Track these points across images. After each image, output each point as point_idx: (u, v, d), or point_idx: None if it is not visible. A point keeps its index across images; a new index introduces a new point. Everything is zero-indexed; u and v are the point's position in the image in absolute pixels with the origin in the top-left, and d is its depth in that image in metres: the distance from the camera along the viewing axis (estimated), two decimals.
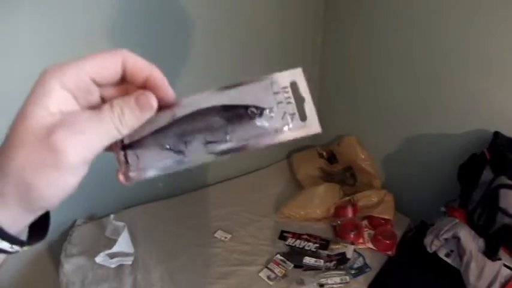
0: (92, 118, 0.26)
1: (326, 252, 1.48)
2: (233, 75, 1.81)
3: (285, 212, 1.67)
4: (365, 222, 1.67)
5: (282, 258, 1.46)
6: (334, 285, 1.37)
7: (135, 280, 1.35)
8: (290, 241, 1.53)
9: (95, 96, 0.28)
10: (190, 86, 1.66)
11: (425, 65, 1.58)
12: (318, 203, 1.67)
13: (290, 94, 0.30)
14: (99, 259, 1.36)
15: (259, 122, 0.30)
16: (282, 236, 1.56)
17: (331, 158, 1.99)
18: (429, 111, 1.63)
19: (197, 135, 0.30)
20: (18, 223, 0.27)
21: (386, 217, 1.66)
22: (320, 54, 2.07)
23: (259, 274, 1.40)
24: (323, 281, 1.37)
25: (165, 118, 0.30)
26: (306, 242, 1.52)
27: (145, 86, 0.28)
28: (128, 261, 1.40)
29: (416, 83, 1.64)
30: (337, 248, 1.50)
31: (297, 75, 0.30)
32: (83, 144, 0.25)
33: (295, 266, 1.43)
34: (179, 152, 0.30)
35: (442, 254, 1.37)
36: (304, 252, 1.48)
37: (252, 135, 0.30)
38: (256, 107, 0.30)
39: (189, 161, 0.30)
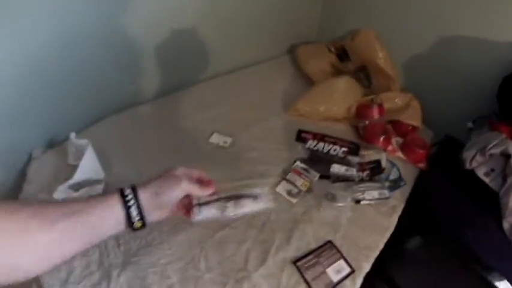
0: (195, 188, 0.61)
1: (357, 159, 1.07)
2: None
3: (299, 108, 1.21)
4: (390, 128, 1.27)
5: (303, 166, 1.03)
6: (373, 201, 0.98)
7: None
8: (311, 144, 1.10)
9: None
10: None
11: None
12: (338, 99, 1.23)
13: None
14: (58, 194, 0.86)
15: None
16: (300, 137, 1.12)
17: (342, 55, 1.52)
18: (470, 9, 1.18)
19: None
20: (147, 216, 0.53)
21: (414, 124, 1.27)
22: None
23: (277, 189, 0.97)
24: (359, 195, 0.98)
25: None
26: (331, 146, 1.09)
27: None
28: (98, 190, 0.91)
29: None
30: (369, 155, 1.09)
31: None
32: (184, 189, 0.58)
33: (321, 177, 1.01)
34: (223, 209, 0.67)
35: (480, 173, 1.03)
36: (330, 159, 1.06)
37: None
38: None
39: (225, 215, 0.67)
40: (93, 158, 0.95)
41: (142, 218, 0.51)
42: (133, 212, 0.50)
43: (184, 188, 0.57)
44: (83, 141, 0.95)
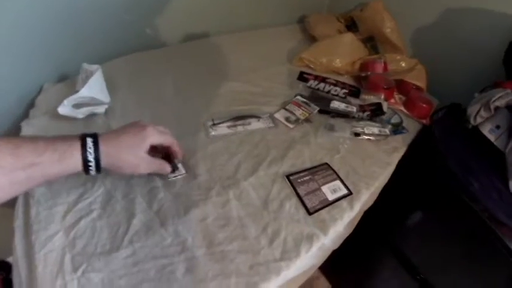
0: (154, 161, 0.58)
1: (357, 101, 0.96)
2: None
3: (303, 58, 1.12)
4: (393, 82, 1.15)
5: (303, 100, 0.92)
6: (372, 137, 0.86)
7: (108, 130, 0.77)
8: (312, 83, 0.99)
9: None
10: None
11: None
12: (343, 52, 1.13)
13: None
14: (62, 109, 0.78)
15: None
16: (302, 77, 1.01)
17: (351, 26, 1.43)
18: None
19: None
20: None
21: (419, 84, 1.15)
22: None
23: (275, 115, 0.87)
24: (358, 129, 0.86)
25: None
26: (332, 86, 0.98)
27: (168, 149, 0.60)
28: (101, 109, 0.83)
29: None
30: (369, 99, 0.98)
31: None
32: (146, 169, 0.56)
33: (321, 111, 0.90)
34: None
35: (485, 130, 0.91)
36: (330, 98, 0.95)
37: None
38: None
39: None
40: (102, 80, 0.87)
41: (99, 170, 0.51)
42: (92, 171, 0.50)
43: (146, 168, 0.56)
44: (94, 66, 0.87)
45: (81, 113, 0.80)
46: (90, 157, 0.48)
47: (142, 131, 0.54)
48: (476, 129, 0.93)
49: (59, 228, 0.58)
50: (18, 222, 0.62)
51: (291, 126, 0.84)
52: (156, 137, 0.55)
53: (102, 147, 0.50)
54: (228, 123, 0.79)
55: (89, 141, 0.49)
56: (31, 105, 0.89)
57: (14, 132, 0.81)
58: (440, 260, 0.96)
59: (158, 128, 0.57)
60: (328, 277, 1.35)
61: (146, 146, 0.53)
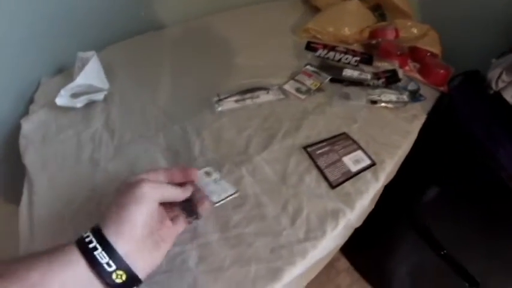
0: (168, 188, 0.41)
1: (370, 68, 0.88)
2: None
3: (309, 29, 1.03)
4: (406, 48, 1.06)
5: (314, 69, 0.84)
6: (390, 104, 0.78)
7: (107, 118, 0.73)
8: (321, 52, 0.91)
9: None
10: None
11: None
12: (349, 20, 1.05)
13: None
14: (60, 100, 0.71)
15: None
16: (310, 46, 0.93)
17: None
18: None
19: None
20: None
21: (433, 50, 1.06)
22: None
23: (284, 87, 0.79)
24: (375, 97, 0.78)
25: None
26: (342, 55, 0.90)
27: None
28: (99, 96, 0.77)
29: None
30: (383, 66, 0.90)
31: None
32: (150, 195, 0.37)
33: (332, 80, 0.82)
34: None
35: (508, 96, 0.82)
36: (342, 66, 0.87)
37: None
38: None
39: None
40: (98, 66, 0.80)
41: (120, 267, 0.33)
42: (102, 260, 0.32)
43: (148, 194, 0.36)
44: (89, 53, 0.80)
45: (79, 102, 0.74)
46: (88, 234, 0.35)
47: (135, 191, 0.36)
48: (497, 94, 0.86)
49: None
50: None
51: (302, 97, 0.76)
52: (153, 193, 0.37)
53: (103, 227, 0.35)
54: (235, 97, 0.72)
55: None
56: (31, 101, 0.83)
57: (16, 130, 0.74)
58: (464, 233, 0.90)
59: (153, 180, 0.40)
60: (347, 256, 1.29)
61: (149, 211, 0.36)
